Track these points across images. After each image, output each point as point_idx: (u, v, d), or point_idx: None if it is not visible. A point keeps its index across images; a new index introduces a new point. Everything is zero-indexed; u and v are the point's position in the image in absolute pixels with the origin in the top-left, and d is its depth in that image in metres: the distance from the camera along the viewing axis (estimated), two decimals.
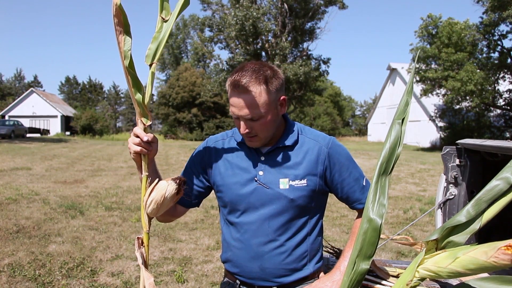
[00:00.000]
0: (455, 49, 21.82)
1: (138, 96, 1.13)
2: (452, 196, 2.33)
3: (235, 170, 1.38)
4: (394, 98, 34.17)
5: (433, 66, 23.54)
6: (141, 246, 1.18)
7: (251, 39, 25.23)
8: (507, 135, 24.77)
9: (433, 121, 27.83)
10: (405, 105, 0.88)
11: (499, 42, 22.89)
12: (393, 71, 35.21)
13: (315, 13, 25.97)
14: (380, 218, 0.84)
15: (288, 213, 1.34)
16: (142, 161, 1.21)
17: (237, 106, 1.25)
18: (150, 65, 1.15)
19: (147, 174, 1.20)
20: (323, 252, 1.52)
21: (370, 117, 40.62)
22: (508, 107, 24.53)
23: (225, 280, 1.51)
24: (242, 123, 1.28)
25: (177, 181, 1.16)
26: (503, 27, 29.20)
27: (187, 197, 1.44)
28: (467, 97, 22.04)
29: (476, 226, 0.79)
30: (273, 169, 1.35)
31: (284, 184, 1.33)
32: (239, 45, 25.97)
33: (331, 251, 1.75)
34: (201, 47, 29.52)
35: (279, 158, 1.36)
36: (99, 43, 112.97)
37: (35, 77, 67.36)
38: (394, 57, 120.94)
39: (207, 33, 28.39)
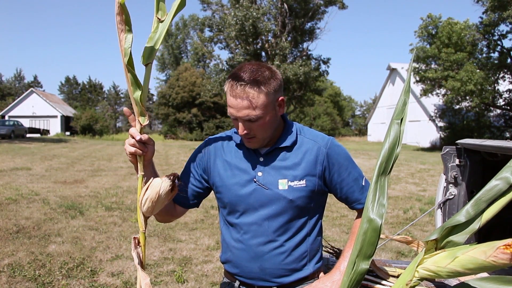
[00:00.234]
0: (455, 49, 21.83)
1: (136, 94, 1.13)
2: (452, 196, 2.33)
3: (234, 171, 1.38)
4: (394, 98, 34.16)
5: (433, 66, 23.55)
6: (138, 246, 1.17)
7: (251, 39, 25.24)
8: (507, 135, 24.77)
9: (433, 121, 27.83)
10: (403, 104, 0.88)
11: (499, 42, 22.90)
12: (393, 71, 35.23)
13: (315, 13, 25.98)
14: (380, 218, 0.84)
15: (288, 213, 1.34)
16: (138, 162, 1.21)
17: (235, 107, 1.25)
18: (146, 65, 1.16)
19: (142, 174, 1.20)
20: (323, 252, 1.52)
21: (370, 117, 40.63)
22: (508, 107, 24.54)
23: (224, 280, 1.51)
24: (240, 124, 1.28)
25: (171, 178, 1.16)
26: (503, 27, 29.23)
27: (182, 193, 1.44)
28: (467, 97, 22.05)
29: (475, 226, 0.79)
30: (272, 170, 1.35)
31: (283, 185, 1.33)
32: (239, 45, 25.99)
33: (331, 251, 1.75)
34: (201, 47, 29.52)
35: (278, 159, 1.36)
36: (99, 43, 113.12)
37: (35, 77, 67.50)
38: (394, 57, 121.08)
39: (207, 33, 28.43)
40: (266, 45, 25.97)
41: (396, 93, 34.02)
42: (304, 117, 46.89)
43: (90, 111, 42.01)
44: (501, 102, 24.57)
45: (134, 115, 1.19)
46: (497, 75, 23.25)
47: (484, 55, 23.56)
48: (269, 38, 26.23)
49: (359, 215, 1.43)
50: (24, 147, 19.10)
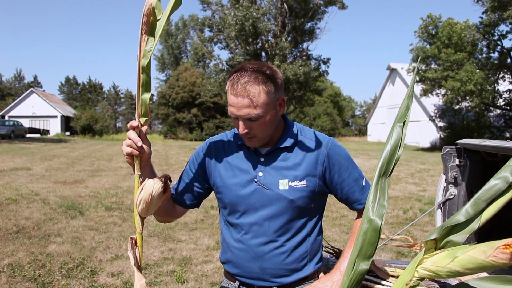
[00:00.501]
0: (455, 49, 21.83)
1: (145, 96, 1.16)
2: (452, 196, 2.33)
3: (235, 171, 1.39)
4: (394, 98, 34.18)
5: (433, 66, 23.55)
6: (135, 247, 1.18)
7: (251, 39, 25.25)
8: (507, 135, 24.78)
9: (433, 121, 27.84)
10: (406, 108, 0.89)
11: (499, 42, 22.90)
12: (393, 71, 35.22)
13: (315, 13, 26.00)
14: (380, 218, 0.84)
15: (288, 214, 1.35)
16: (135, 162, 1.21)
17: (236, 106, 1.25)
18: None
19: (139, 174, 1.21)
20: (323, 252, 1.52)
21: (370, 117, 40.63)
22: (508, 107, 24.54)
23: (224, 280, 1.51)
24: (241, 123, 1.28)
25: (163, 179, 1.17)
26: (503, 27, 29.19)
27: (178, 195, 1.44)
28: (467, 97, 22.06)
29: (475, 225, 0.79)
30: (272, 170, 1.35)
31: (283, 185, 1.33)
32: (239, 45, 26.00)
33: (331, 251, 1.75)
34: (201, 47, 29.53)
35: (279, 159, 1.36)
36: (99, 43, 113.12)
37: (35, 77, 67.42)
38: (394, 57, 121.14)
39: (207, 33, 28.46)
40: (266, 45, 25.98)
41: (396, 93, 34.03)
42: (304, 117, 46.88)
43: (90, 111, 41.99)
44: (501, 102, 24.58)
45: (135, 115, 1.20)
46: (497, 75, 23.26)
47: (484, 55, 23.57)
48: (269, 38, 26.24)
49: (360, 216, 1.43)
50: (24, 147, 19.10)
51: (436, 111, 26.84)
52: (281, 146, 1.36)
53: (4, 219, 5.64)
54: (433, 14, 23.12)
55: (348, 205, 1.44)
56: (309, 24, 26.56)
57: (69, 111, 47.64)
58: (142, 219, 1.19)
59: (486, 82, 21.33)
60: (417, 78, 23.67)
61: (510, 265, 0.69)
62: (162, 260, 4.26)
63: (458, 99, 22.55)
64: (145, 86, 1.15)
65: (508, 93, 24.25)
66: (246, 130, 1.28)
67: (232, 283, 1.46)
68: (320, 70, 27.02)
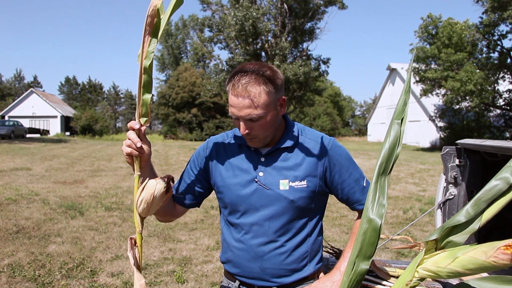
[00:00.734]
0: (455, 49, 21.83)
1: (146, 96, 1.16)
2: (452, 196, 2.33)
3: (235, 171, 1.39)
4: (394, 98, 34.16)
5: (433, 66, 23.55)
6: (134, 247, 1.17)
7: (251, 39, 25.25)
8: (507, 135, 24.77)
9: (433, 121, 27.83)
10: (404, 104, 0.88)
11: (499, 42, 22.90)
12: (393, 71, 35.23)
13: (315, 13, 25.99)
14: (380, 218, 0.84)
15: (288, 214, 1.35)
16: (134, 162, 1.21)
17: (236, 106, 1.25)
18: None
19: (139, 174, 1.21)
20: (323, 252, 1.52)
21: (370, 117, 40.63)
22: (508, 107, 24.54)
23: (224, 280, 1.51)
24: (241, 123, 1.28)
25: (165, 180, 1.17)
26: (503, 27, 29.22)
27: (179, 194, 1.45)
28: (467, 97, 22.06)
29: (475, 226, 0.79)
30: (273, 170, 1.35)
31: (284, 185, 1.33)
32: (238, 45, 26.00)
33: (331, 251, 1.75)
34: (200, 47, 29.54)
35: (279, 159, 1.36)
36: (99, 43, 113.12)
37: (35, 78, 67.41)
38: (394, 57, 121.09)
39: (207, 33, 28.46)
40: (266, 45, 25.97)
41: (396, 93, 34.03)
42: (304, 117, 46.87)
43: (90, 111, 41.96)
44: (501, 102, 24.58)
45: (135, 115, 1.21)
46: (497, 75, 23.26)
47: (484, 55, 23.57)
48: (269, 38, 26.24)
49: (360, 216, 1.43)
50: (24, 147, 19.09)
51: (436, 111, 26.84)
52: (281, 146, 1.36)
53: (4, 219, 5.64)
54: (433, 14, 23.14)
55: (348, 206, 1.44)
56: (309, 24, 26.57)
57: (69, 111, 47.64)
58: (142, 219, 1.19)
59: (486, 82, 21.33)
60: (417, 78, 23.68)
61: (511, 265, 0.69)
62: (162, 260, 4.26)
63: (458, 99, 22.55)
64: (147, 86, 1.15)
65: (508, 93, 24.25)
66: (247, 131, 1.28)
67: (232, 283, 1.46)
68: (320, 70, 27.02)
